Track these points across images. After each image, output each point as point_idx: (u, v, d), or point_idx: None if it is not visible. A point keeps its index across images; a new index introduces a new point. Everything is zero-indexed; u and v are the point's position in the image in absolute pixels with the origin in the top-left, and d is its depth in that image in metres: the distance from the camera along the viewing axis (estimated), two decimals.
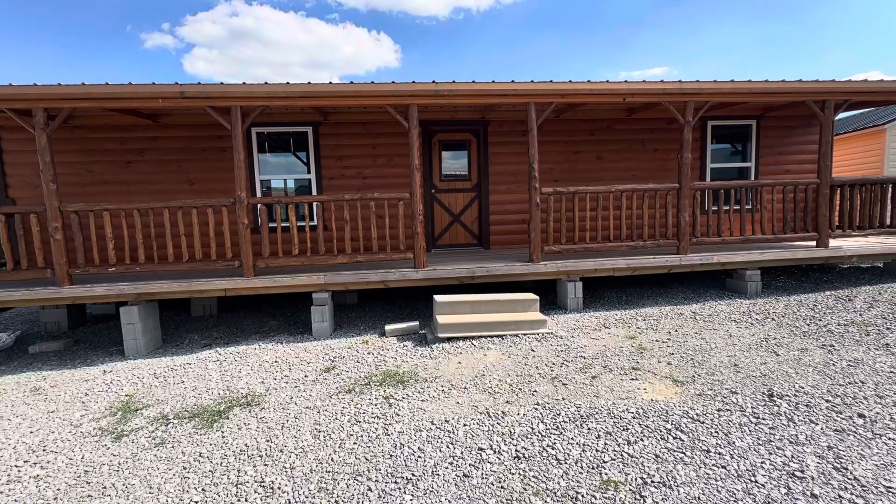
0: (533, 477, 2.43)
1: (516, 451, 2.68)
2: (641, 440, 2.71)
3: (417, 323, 5.36)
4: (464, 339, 4.80)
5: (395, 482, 2.47)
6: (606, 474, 2.42)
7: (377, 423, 3.14)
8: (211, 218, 5.17)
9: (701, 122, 7.52)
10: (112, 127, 6.63)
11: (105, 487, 2.65)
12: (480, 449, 2.73)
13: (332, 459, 2.74)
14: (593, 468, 2.47)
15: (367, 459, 2.71)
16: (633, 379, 3.64)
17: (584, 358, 4.16)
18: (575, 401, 3.29)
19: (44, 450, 3.16)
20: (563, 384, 3.61)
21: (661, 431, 2.80)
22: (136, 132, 6.72)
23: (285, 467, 2.70)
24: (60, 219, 4.98)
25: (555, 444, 2.72)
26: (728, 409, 3.04)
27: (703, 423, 2.87)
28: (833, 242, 6.38)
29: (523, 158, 7.12)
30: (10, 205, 6.54)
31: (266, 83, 5.00)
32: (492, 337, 4.82)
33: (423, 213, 7.12)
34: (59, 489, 2.68)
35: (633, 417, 2.98)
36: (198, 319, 6.56)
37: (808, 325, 4.81)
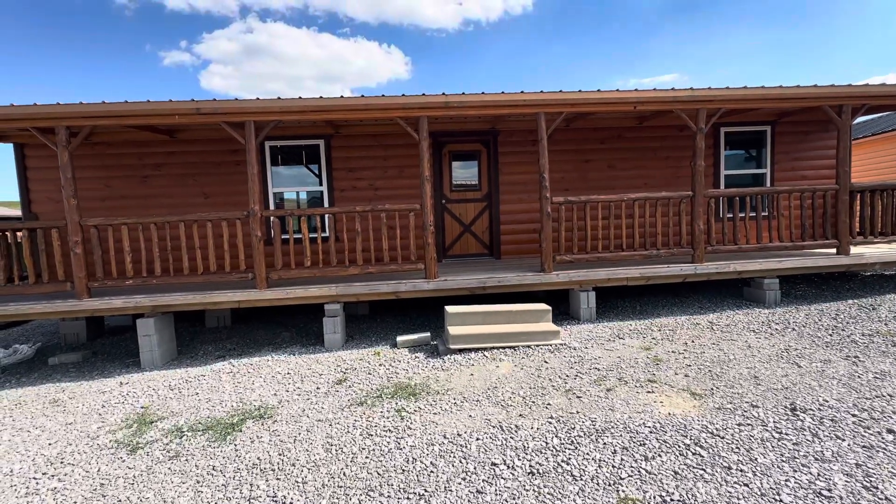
0: (548, 494, 2.38)
1: (530, 466, 2.64)
2: (659, 456, 2.64)
3: (429, 334, 5.34)
4: (476, 350, 4.77)
5: (408, 498, 2.44)
6: (624, 492, 2.35)
7: (389, 437, 3.11)
8: (225, 231, 5.25)
9: (714, 128, 7.44)
10: (130, 143, 6.81)
11: (120, 501, 2.67)
12: (494, 464, 2.68)
13: (343, 474, 2.72)
14: (610, 485, 2.41)
15: (379, 474, 2.68)
16: (649, 392, 3.57)
17: (599, 370, 4.09)
18: (590, 414, 3.23)
19: (62, 462, 3.20)
20: (578, 397, 3.55)
21: (679, 447, 2.72)
22: (153, 147, 6.89)
23: (297, 482, 2.69)
24: (80, 233, 5.10)
25: (570, 459, 2.67)
26: (749, 424, 2.95)
27: (723, 438, 2.79)
28: (854, 250, 6.22)
29: (534, 168, 7.11)
30: (33, 219, 6.73)
31: (279, 98, 5.09)
32: (504, 348, 4.77)
33: (434, 223, 7.16)
34: (75, 502, 2.71)
35: (651, 432, 2.91)
36: (212, 331, 6.63)
37: (830, 335, 4.68)
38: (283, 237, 6.59)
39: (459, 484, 2.52)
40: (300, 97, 5.08)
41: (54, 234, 5.12)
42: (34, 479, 3.02)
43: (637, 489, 2.37)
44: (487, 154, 7.39)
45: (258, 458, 2.99)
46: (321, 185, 7.15)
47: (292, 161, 7.26)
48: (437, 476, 2.61)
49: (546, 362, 4.38)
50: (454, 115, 5.91)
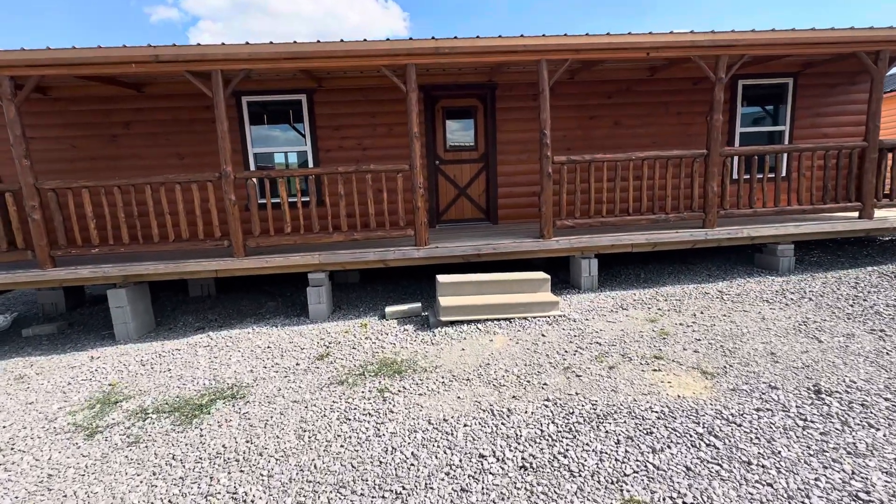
0: (542, 493, 2.09)
1: (523, 458, 2.34)
2: (669, 447, 2.34)
3: (420, 304, 5.01)
4: (468, 322, 4.45)
5: (383, 497, 2.15)
6: (629, 491, 2.06)
7: (368, 422, 2.83)
8: (196, 194, 4.81)
9: (732, 81, 6.81)
10: (94, 98, 6.23)
11: (66, 497, 2.40)
12: (482, 456, 2.39)
13: (314, 466, 2.44)
14: (613, 483, 2.12)
15: (353, 467, 2.40)
16: (655, 370, 3.26)
17: (600, 344, 3.78)
18: (590, 396, 2.93)
19: (12, 448, 2.93)
20: (577, 376, 3.24)
21: (691, 436, 2.42)
22: (120, 104, 6.32)
23: (262, 475, 2.41)
24: (38, 197, 4.67)
25: (567, 450, 2.37)
26: (769, 409, 2.64)
27: (740, 426, 2.49)
28: (878, 213, 5.78)
29: (534, 125, 6.56)
30: None
31: (248, 43, 4.52)
32: (499, 320, 4.45)
33: (426, 186, 6.68)
34: (17, 497, 2.44)
35: (658, 418, 2.61)
36: (195, 300, 6.32)
37: (851, 305, 4.33)
38: (259, 202, 6.14)
39: (442, 480, 2.23)
40: (271, 42, 4.49)
41: (9, 198, 4.69)
42: None
43: (644, 488, 2.07)
44: (484, 110, 6.81)
45: (223, 447, 2.72)
46: (305, 144, 6.62)
47: (274, 119, 6.69)
48: (418, 470, 2.32)
49: (543, 336, 4.06)
50: (447, 64, 5.32)
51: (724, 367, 3.24)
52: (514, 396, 3.01)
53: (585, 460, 2.28)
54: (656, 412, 2.67)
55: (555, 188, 5.95)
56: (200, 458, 2.62)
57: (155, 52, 4.41)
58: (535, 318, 4.47)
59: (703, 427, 2.49)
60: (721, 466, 2.18)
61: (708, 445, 2.34)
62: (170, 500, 2.29)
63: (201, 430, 2.94)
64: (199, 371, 3.91)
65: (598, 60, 5.47)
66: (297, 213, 4.94)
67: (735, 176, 6.70)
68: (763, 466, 2.16)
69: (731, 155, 5.49)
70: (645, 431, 2.49)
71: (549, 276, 4.81)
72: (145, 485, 2.43)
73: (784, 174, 6.74)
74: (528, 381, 3.21)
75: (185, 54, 4.46)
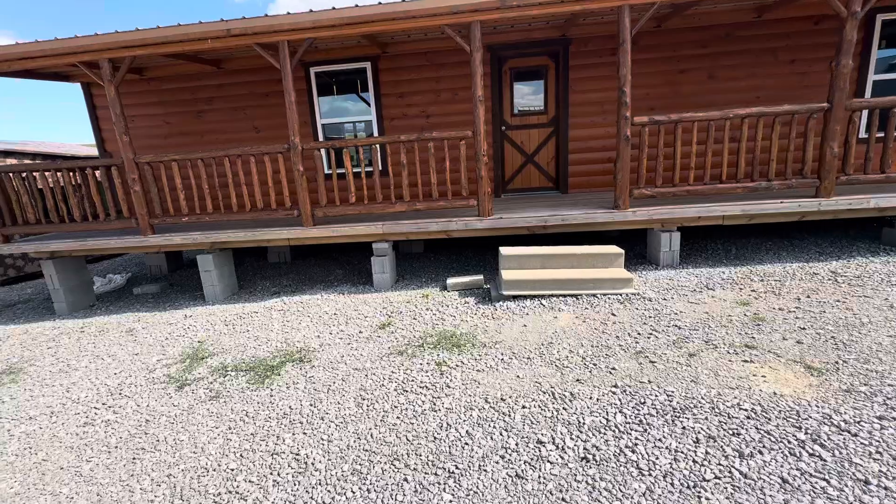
0: (605, 489, 1.93)
1: (585, 449, 2.18)
2: (760, 453, 2.03)
3: (482, 276, 4.89)
4: (532, 297, 4.25)
5: (435, 474, 2.12)
6: (708, 500, 1.83)
7: (425, 396, 2.81)
8: (268, 166, 5.01)
9: (868, 16, 5.59)
10: (182, 76, 6.68)
11: (158, 441, 2.68)
12: (540, 442, 2.26)
13: (371, 435, 2.48)
14: (688, 488, 1.89)
15: (408, 440, 2.40)
16: (746, 360, 2.86)
17: (680, 328, 3.40)
18: (666, 386, 2.65)
19: (119, 394, 3.35)
20: (651, 362, 2.95)
21: (790, 442, 2.09)
22: (204, 80, 6.71)
23: (323, 439, 2.50)
24: (136, 171, 5.15)
25: (636, 445, 2.16)
26: (895, 418, 2.20)
27: (856, 435, 2.09)
28: None
29: (611, 84, 5.94)
30: (108, 158, 7.04)
31: (311, 11, 4.48)
32: (565, 296, 4.20)
33: (492, 153, 6.40)
34: (121, 437, 2.78)
35: (748, 417, 2.28)
36: (273, 266, 6.76)
37: None
38: (326, 172, 6.28)
39: (497, 463, 2.15)
40: (333, 8, 4.41)
41: (115, 172, 5.23)
42: (94, 409, 3.18)
43: (727, 498, 1.82)
44: (556, 70, 6.28)
45: (290, 408, 2.86)
46: (370, 114, 6.61)
47: (341, 89, 6.74)
48: (472, 450, 2.26)
49: (614, 315, 3.76)
50: (515, 19, 4.90)
51: (836, 362, 2.76)
52: (577, 380, 2.82)
53: (657, 458, 2.06)
54: (745, 410, 2.34)
55: (633, 153, 5.40)
56: (269, 418, 2.78)
57: (227, 27, 4.54)
58: (605, 295, 4.16)
59: (806, 433, 2.14)
60: (828, 483, 1.84)
61: (812, 455, 1.99)
62: (241, 455, 2.46)
63: (272, 390, 3.13)
64: (273, 333, 4.17)
65: (694, 1, 4.72)
66: (361, 182, 4.97)
67: (863, 135, 5.61)
68: (886, 489, 1.80)
69: (860, 108, 4.55)
70: (731, 431, 2.19)
71: (622, 251, 4.42)
72: (222, 437, 2.64)
73: None
74: (595, 364, 2.98)
75: (253, 26, 4.54)
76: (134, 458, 2.56)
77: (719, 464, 1.99)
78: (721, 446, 2.10)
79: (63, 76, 6.44)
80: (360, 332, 3.98)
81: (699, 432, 2.20)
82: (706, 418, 2.30)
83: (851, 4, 4.20)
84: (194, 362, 3.74)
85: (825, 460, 1.96)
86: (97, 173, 5.45)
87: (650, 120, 4.63)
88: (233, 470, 2.35)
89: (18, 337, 4.89)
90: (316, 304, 4.82)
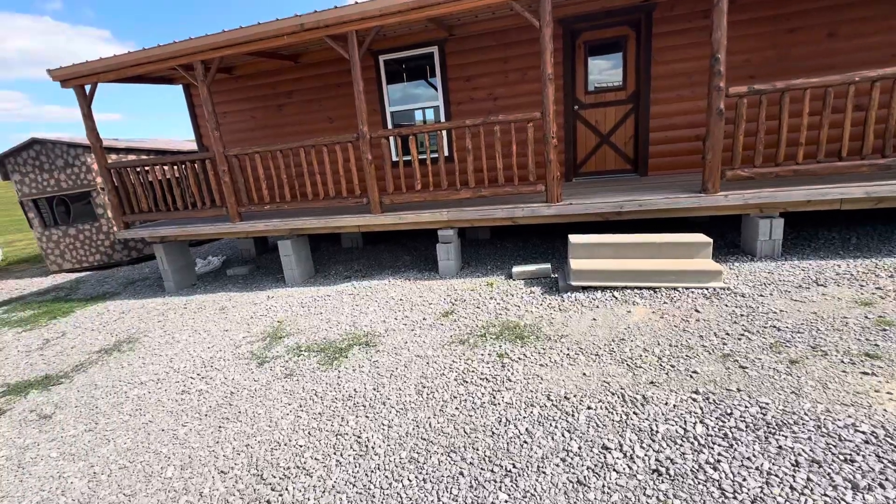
0: None
1: (657, 460, 1.99)
2: (881, 486, 1.71)
3: (549, 265, 4.69)
4: (603, 289, 3.99)
5: (492, 471, 2.07)
6: None
7: (485, 388, 2.76)
8: (339, 155, 5.20)
9: None
10: (264, 73, 7.13)
11: (240, 413, 2.94)
12: (606, 447, 2.11)
13: (429, 424, 2.49)
14: None
15: (465, 433, 2.37)
16: (865, 373, 2.42)
17: (779, 329, 2.98)
18: (758, 396, 2.33)
19: (211, 366, 3.72)
20: (741, 367, 2.62)
21: None
22: (283, 75, 7.11)
23: (383, 424, 2.56)
24: (226, 163, 5.63)
25: (718, 462, 1.93)
26: None
27: None
28: None
29: (703, 52, 5.29)
30: (203, 152, 7.79)
31: None
32: (641, 289, 3.88)
33: (564, 135, 6.06)
34: (210, 406, 3.09)
35: (866, 442, 1.92)
36: (346, 251, 7.09)
37: None
38: (392, 160, 6.37)
39: (557, 466, 2.04)
40: None
41: (208, 164, 5.76)
42: (191, 378, 3.57)
43: None
44: (637, 40, 5.72)
45: (354, 391, 2.97)
46: (437, 99, 6.56)
47: (409, 76, 6.77)
48: (531, 449, 2.17)
49: (698, 311, 3.40)
50: None
51: None
52: (651, 382, 2.59)
53: (744, 480, 1.82)
54: (863, 433, 1.97)
55: (727, 129, 4.79)
56: (336, 399, 2.91)
57: (300, 21, 4.72)
58: (688, 289, 3.77)
59: None
60: None
61: None
62: (309, 432, 2.61)
63: (339, 372, 3.27)
64: (343, 317, 4.37)
65: None
66: (427, 169, 4.96)
67: None
68: None
69: None
70: (842, 457, 1.86)
71: (710, 240, 3.96)
72: (293, 414, 2.82)
73: None
74: (672, 366, 2.72)
75: (324, 19, 4.68)
76: (220, 427, 2.83)
77: (825, 494, 1.70)
78: (828, 473, 1.79)
79: (167, 79, 7.19)
80: (424, 318, 4.02)
81: (799, 454, 1.91)
82: (809, 438, 1.99)
83: None
84: (273, 341, 4.05)
85: None
86: (196, 166, 6.07)
87: (750, 90, 4.04)
88: (301, 446, 2.50)
89: (136, 311, 5.65)
90: (383, 290, 4.97)
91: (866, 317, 3.01)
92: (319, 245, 7.64)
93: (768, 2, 5.19)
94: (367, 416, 2.67)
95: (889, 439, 1.93)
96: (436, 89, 6.55)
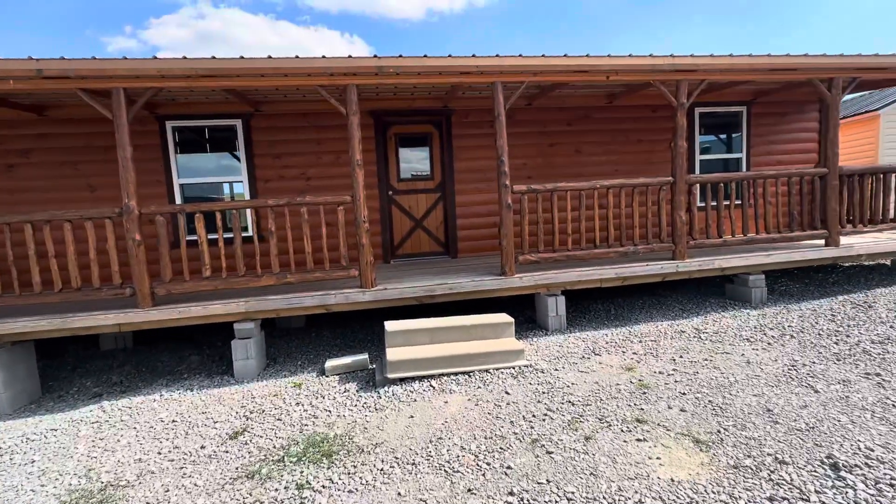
0: None
1: None
2: None
3: (366, 356, 4.32)
4: (421, 378, 3.79)
5: None
6: None
7: None
8: (91, 234, 4.01)
9: (688, 110, 6.72)
10: None
11: None
12: None
13: None
14: None
15: None
16: (640, 439, 2.70)
17: (573, 404, 3.20)
18: (565, 486, 2.32)
19: None
20: (548, 452, 2.64)
21: None
22: (18, 129, 5.45)
23: None
24: None
25: None
26: (785, 498, 2.12)
27: None
28: (843, 240, 5.65)
29: (492, 153, 6.13)
30: None
31: (156, 58, 3.87)
32: (456, 374, 3.82)
33: (380, 218, 6.09)
34: None
35: None
36: (105, 355, 5.33)
37: (836, 343, 4.00)
38: (171, 240, 5.33)
39: None
40: (185, 57, 3.87)
41: None
42: None
43: None
44: (440, 137, 6.38)
45: None
46: (240, 174, 5.92)
47: (212, 146, 5.99)
48: None
49: (507, 394, 3.46)
50: (394, 85, 4.85)
51: (718, 431, 2.73)
52: (469, 489, 2.36)
53: None
54: None
55: (516, 219, 5.51)
56: None
57: (37, 66, 3.68)
58: (497, 369, 3.87)
59: None
60: None
61: None
62: None
63: None
64: (72, 463, 3.03)
65: (557, 84, 5.17)
66: (219, 252, 4.19)
67: (701, 203, 6.50)
68: None
69: (697, 182, 5.25)
70: None
71: (512, 319, 4.26)
72: None
73: (748, 201, 6.61)
74: (489, 464, 2.57)
75: (77, 69, 3.76)
76: None
77: None
78: None
79: None
80: (202, 447, 3.08)
81: None
82: None
83: (679, 97, 4.93)
84: None
85: None
86: None
87: (528, 188, 4.76)
88: None
89: None
90: (150, 409, 3.75)
91: (630, 381, 3.51)
92: (66, 349, 5.60)
93: (535, 122, 6.49)
94: None
95: None
96: (240, 162, 5.93)
